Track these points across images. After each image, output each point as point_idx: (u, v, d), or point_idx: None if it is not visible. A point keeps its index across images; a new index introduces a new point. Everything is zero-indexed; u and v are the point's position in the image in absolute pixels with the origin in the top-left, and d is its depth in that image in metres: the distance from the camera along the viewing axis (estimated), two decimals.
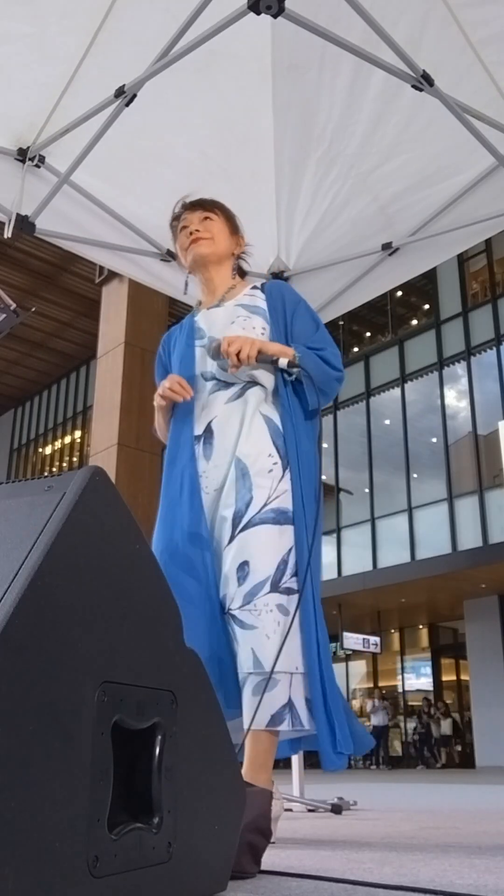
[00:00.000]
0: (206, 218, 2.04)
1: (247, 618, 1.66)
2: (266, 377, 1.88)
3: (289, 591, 1.70)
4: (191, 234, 2.02)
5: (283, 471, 1.78)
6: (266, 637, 1.64)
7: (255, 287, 2.02)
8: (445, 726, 16.51)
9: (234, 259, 2.08)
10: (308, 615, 1.71)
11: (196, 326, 2.01)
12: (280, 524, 1.73)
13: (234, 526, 1.73)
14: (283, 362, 1.82)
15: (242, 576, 1.69)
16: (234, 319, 1.93)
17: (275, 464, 1.78)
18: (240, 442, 1.80)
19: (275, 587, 1.68)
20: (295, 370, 1.83)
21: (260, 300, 1.97)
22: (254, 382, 1.87)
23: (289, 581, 1.71)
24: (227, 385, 1.88)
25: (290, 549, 1.72)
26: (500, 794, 4.84)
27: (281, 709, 1.61)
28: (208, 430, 1.86)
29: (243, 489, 1.75)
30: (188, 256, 2.04)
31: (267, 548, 1.70)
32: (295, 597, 1.70)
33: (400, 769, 16.22)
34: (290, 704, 1.62)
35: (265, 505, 1.73)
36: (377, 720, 16.81)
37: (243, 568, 1.69)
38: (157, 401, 1.93)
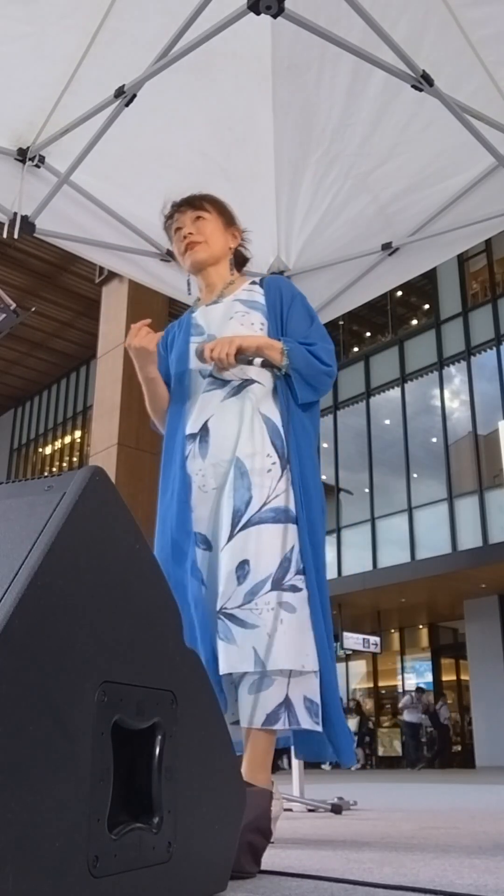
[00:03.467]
0: (197, 218, 2.01)
1: (247, 616, 1.64)
2: (264, 374, 1.87)
3: (294, 589, 1.68)
4: (184, 237, 2.00)
5: (282, 470, 1.77)
6: (267, 635, 1.62)
7: (253, 282, 2.01)
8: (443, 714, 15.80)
9: (231, 253, 2.07)
10: (316, 614, 1.71)
11: (194, 323, 2.00)
12: (281, 523, 1.72)
13: (234, 525, 1.72)
14: (257, 362, 1.81)
15: (242, 574, 1.67)
16: (232, 315, 1.92)
17: (273, 463, 1.77)
18: (240, 441, 1.79)
19: (277, 585, 1.67)
20: (283, 366, 1.82)
21: (258, 295, 1.96)
22: (251, 380, 1.86)
23: (294, 579, 1.69)
24: (224, 383, 1.87)
25: (293, 547, 1.72)
26: (500, 794, 4.84)
27: (276, 707, 1.60)
28: (204, 429, 1.84)
29: (242, 488, 1.74)
30: (185, 262, 2.03)
31: (267, 546, 1.69)
32: (301, 594, 1.69)
33: (399, 769, 16.20)
34: (286, 703, 1.62)
35: (264, 504, 1.73)
36: (410, 717, 15.40)
37: (243, 567, 1.68)
38: (133, 356, 1.90)
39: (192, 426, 1.87)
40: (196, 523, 1.81)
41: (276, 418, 1.83)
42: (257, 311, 1.93)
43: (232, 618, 1.66)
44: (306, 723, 1.63)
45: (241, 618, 1.65)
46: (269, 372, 1.88)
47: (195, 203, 2.04)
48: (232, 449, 1.80)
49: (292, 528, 1.74)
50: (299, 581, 1.70)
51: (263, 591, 1.66)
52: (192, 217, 2.02)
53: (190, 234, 2.00)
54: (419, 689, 16.21)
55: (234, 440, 1.80)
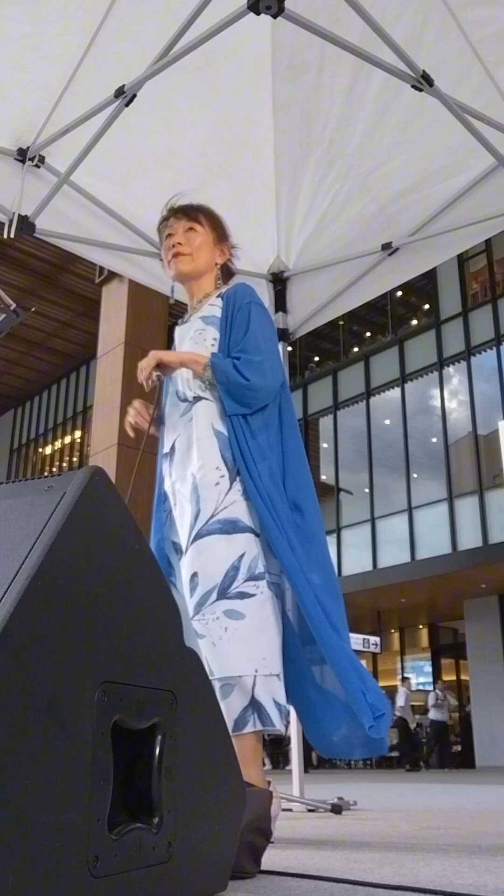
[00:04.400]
0: (189, 229, 2.01)
1: (199, 627, 1.70)
2: (212, 390, 1.89)
3: (243, 596, 1.70)
4: (172, 246, 2.01)
5: (231, 483, 1.79)
6: (212, 644, 1.66)
7: (219, 295, 2.01)
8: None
9: (217, 269, 2.07)
10: (313, 609, 1.72)
11: (174, 343, 2.06)
12: (228, 534, 1.75)
13: (188, 539, 1.78)
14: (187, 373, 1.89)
15: (193, 587, 1.73)
16: (191, 334, 1.95)
17: (222, 476, 1.80)
18: (194, 458, 1.84)
19: (223, 594, 1.70)
20: (206, 377, 1.85)
21: (217, 309, 1.96)
22: (200, 397, 1.89)
23: (243, 586, 1.71)
24: (183, 402, 1.93)
25: (241, 556, 1.73)
26: (500, 794, 4.84)
27: (242, 712, 1.62)
28: (172, 448, 1.92)
29: (193, 503, 1.79)
30: (169, 270, 2.05)
31: (213, 557, 1.73)
32: (254, 599, 1.70)
33: (400, 769, 16.18)
34: (253, 705, 1.63)
35: (212, 517, 1.76)
36: (436, 715, 14.49)
37: (193, 579, 1.73)
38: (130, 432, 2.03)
39: (166, 446, 1.95)
40: (174, 534, 1.90)
41: (227, 432, 1.84)
42: (212, 327, 1.94)
43: (193, 628, 1.70)
44: (278, 723, 1.65)
45: (196, 628, 1.70)
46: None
47: (190, 213, 2.04)
48: (187, 466, 1.85)
49: (243, 537, 1.75)
50: (251, 587, 1.71)
51: (210, 602, 1.70)
52: (185, 227, 2.02)
53: (179, 244, 2.00)
54: (446, 688, 15.43)
55: (189, 457, 1.86)
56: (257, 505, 1.77)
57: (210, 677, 1.62)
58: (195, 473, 1.81)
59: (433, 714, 14.61)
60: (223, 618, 1.68)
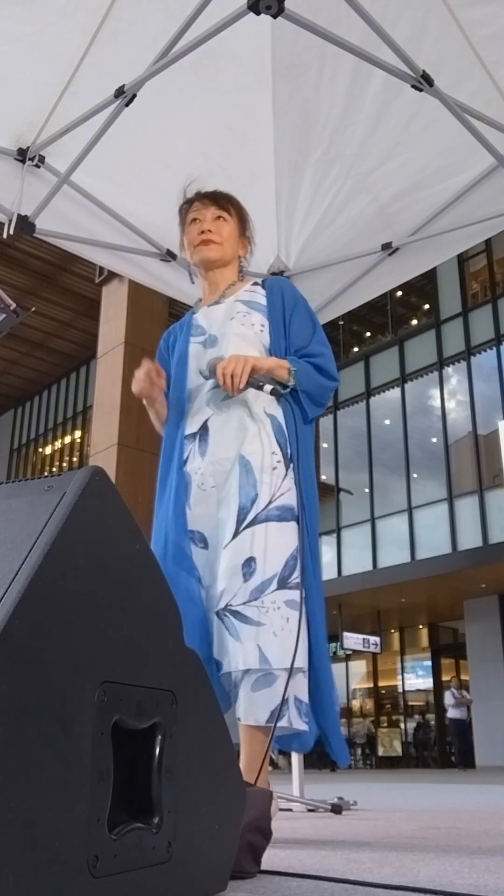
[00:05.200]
0: (219, 217, 2.00)
1: (253, 614, 1.65)
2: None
3: (298, 587, 1.69)
4: (202, 231, 1.99)
5: (287, 469, 1.78)
6: (273, 634, 1.63)
7: (255, 283, 2.01)
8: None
9: (239, 261, 2.07)
10: (314, 614, 1.72)
11: (195, 324, 2.00)
12: (286, 521, 1.73)
13: (239, 522, 1.72)
14: (267, 389, 1.80)
15: (249, 572, 1.67)
16: (233, 315, 1.92)
17: (278, 461, 1.78)
18: (246, 440, 1.79)
19: (283, 584, 1.67)
20: (290, 385, 1.82)
21: (260, 296, 1.96)
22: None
23: (297, 577, 1.70)
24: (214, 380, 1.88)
25: (296, 547, 1.72)
26: (500, 794, 4.84)
27: (280, 705, 1.61)
28: (203, 428, 1.85)
29: (247, 486, 1.74)
30: (194, 256, 2.02)
31: (274, 544, 1.70)
32: (301, 593, 1.70)
33: (399, 769, 16.19)
34: (286, 701, 1.62)
35: (270, 502, 1.73)
36: (455, 713, 14.39)
37: (249, 564, 1.68)
38: (136, 393, 1.91)
39: (191, 426, 1.88)
40: (194, 522, 1.81)
41: (281, 417, 1.83)
42: (258, 312, 1.93)
43: (237, 615, 1.66)
44: (297, 722, 1.64)
45: (246, 615, 1.65)
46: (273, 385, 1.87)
47: (220, 202, 2.02)
48: (233, 447, 1.80)
49: (296, 526, 1.74)
50: (300, 580, 1.71)
51: (270, 590, 1.66)
52: (215, 214, 2.01)
53: (209, 230, 1.98)
54: (460, 687, 15.06)
55: (236, 438, 1.80)
56: (304, 500, 1.76)
57: (254, 666, 1.61)
58: (250, 456, 1.76)
59: (452, 713, 14.49)
60: (284, 608, 1.65)
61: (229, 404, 1.84)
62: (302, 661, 1.66)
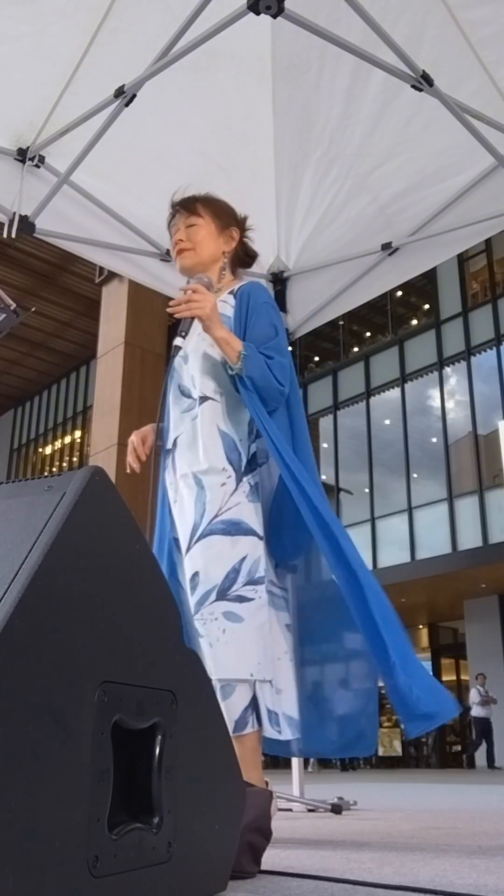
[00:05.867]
0: (190, 225, 2.01)
1: (199, 626, 1.70)
2: (219, 392, 1.88)
3: (242, 599, 1.70)
4: (176, 243, 2.02)
5: (237, 484, 1.79)
6: (209, 645, 1.67)
7: (230, 292, 1.99)
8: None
9: (224, 257, 2.06)
10: (310, 609, 1.74)
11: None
12: (231, 535, 1.75)
13: (191, 537, 1.78)
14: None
15: (193, 585, 1.73)
16: (200, 331, 1.92)
17: (228, 477, 1.80)
18: (201, 457, 1.83)
19: (222, 595, 1.70)
20: (237, 368, 1.79)
21: (229, 307, 1.95)
22: (206, 398, 1.88)
23: (242, 589, 1.71)
24: (187, 399, 1.92)
25: (242, 558, 1.73)
26: (500, 794, 4.84)
27: (243, 713, 1.64)
28: (174, 444, 1.91)
29: (199, 502, 1.79)
30: (176, 266, 2.06)
31: (215, 557, 1.73)
32: (252, 604, 1.70)
33: (400, 769, 16.17)
34: (253, 706, 1.65)
35: (216, 517, 1.76)
36: (479, 712, 14.01)
37: (194, 578, 1.74)
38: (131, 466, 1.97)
39: (168, 441, 1.94)
40: (174, 530, 1.90)
41: (234, 434, 1.84)
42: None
43: (193, 628, 1.71)
44: (267, 730, 1.66)
45: (196, 627, 1.71)
46: (224, 389, 1.87)
47: (189, 207, 2.03)
48: (192, 464, 1.84)
49: (246, 539, 1.75)
50: (250, 591, 1.72)
51: (209, 602, 1.70)
52: (186, 223, 2.02)
53: (180, 240, 2.01)
54: (482, 678, 14.37)
55: (195, 455, 1.85)
56: (282, 458, 1.75)
57: (210, 677, 1.63)
58: (200, 474, 1.81)
59: (476, 711, 14.15)
60: (221, 619, 1.68)
61: (193, 423, 1.88)
62: (261, 672, 1.66)
